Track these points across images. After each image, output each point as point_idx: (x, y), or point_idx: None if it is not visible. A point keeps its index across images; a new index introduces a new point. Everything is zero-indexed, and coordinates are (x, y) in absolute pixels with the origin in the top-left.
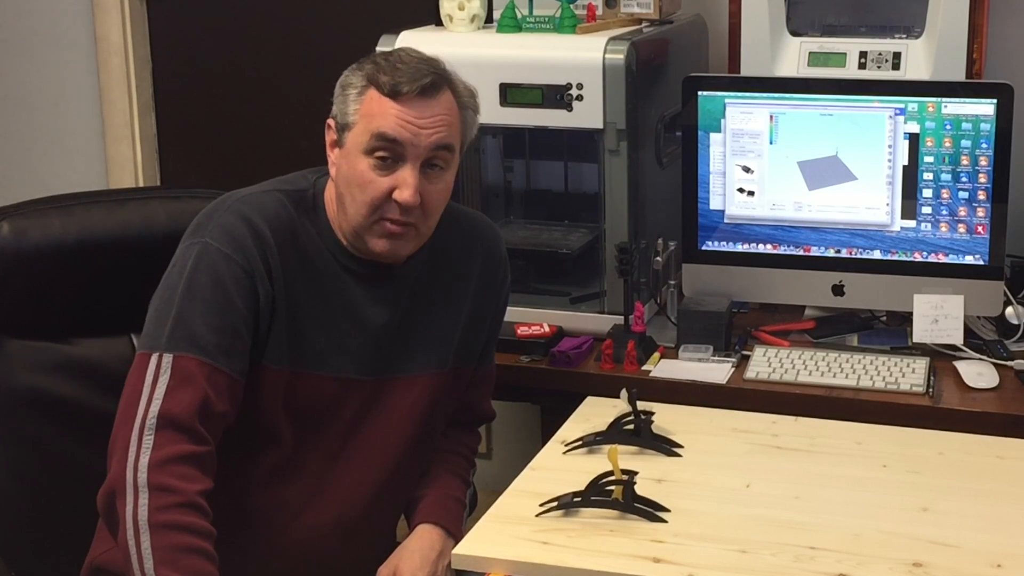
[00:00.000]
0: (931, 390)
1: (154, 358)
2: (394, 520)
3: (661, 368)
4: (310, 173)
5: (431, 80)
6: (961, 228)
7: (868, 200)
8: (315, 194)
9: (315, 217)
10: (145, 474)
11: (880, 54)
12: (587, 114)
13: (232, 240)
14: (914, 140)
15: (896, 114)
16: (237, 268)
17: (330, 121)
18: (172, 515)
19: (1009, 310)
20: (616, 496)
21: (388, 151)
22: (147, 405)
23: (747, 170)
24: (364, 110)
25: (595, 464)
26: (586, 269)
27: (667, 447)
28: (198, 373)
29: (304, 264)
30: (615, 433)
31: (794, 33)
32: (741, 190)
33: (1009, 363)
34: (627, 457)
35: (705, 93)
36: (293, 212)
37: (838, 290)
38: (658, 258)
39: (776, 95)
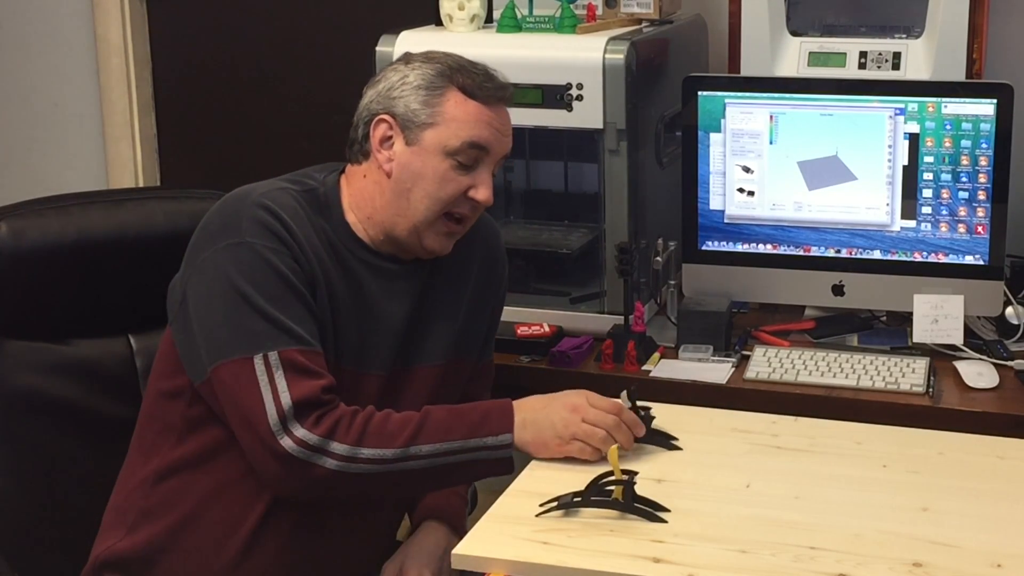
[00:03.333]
0: (931, 390)
1: (258, 360)
2: (397, 518)
3: (661, 368)
4: (316, 171)
5: (511, 90)
6: (961, 228)
7: (868, 200)
8: (327, 192)
9: (329, 214)
10: (301, 429)
11: (880, 54)
12: (587, 114)
13: (273, 235)
14: (914, 140)
15: (896, 114)
16: (289, 259)
17: (387, 117)
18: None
19: (1009, 310)
20: (616, 496)
21: (475, 156)
22: (276, 400)
23: (747, 170)
24: (451, 112)
25: (595, 464)
26: (586, 269)
27: (666, 441)
28: (307, 361)
29: (328, 257)
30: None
31: (794, 33)
32: (741, 190)
33: (1009, 363)
34: (627, 457)
35: (705, 93)
36: (307, 209)
37: (838, 290)
38: (658, 258)
39: (776, 95)
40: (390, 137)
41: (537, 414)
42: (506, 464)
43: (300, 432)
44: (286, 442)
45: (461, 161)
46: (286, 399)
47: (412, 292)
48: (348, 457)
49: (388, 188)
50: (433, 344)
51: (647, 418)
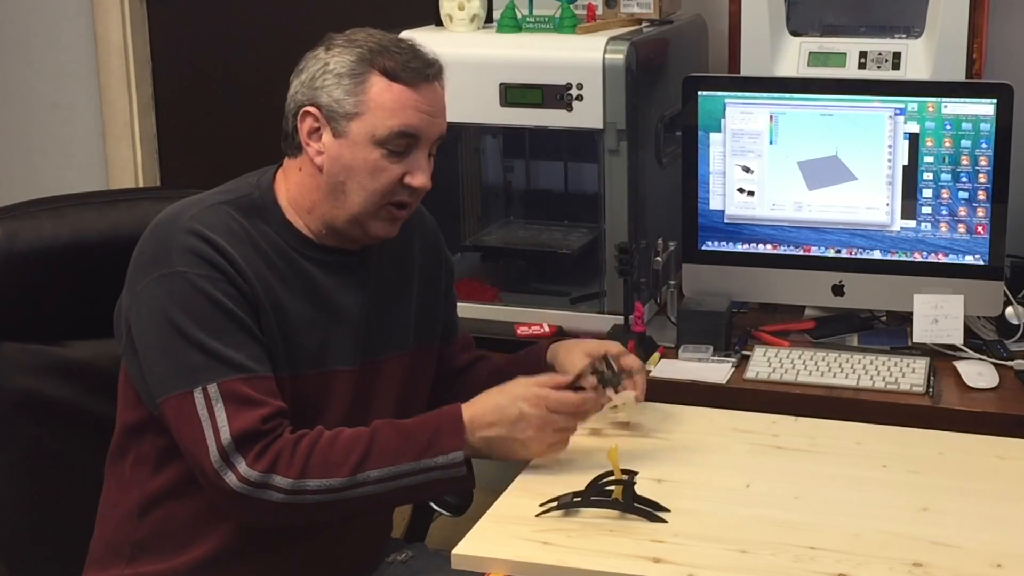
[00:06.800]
0: (931, 390)
1: (198, 393)
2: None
3: (661, 368)
4: (250, 177)
5: (438, 66)
6: (961, 228)
7: (868, 200)
8: (262, 195)
9: (269, 218)
10: (243, 464)
11: (880, 54)
12: (587, 114)
13: (205, 261)
14: (914, 140)
15: (896, 114)
16: (224, 284)
17: (311, 109)
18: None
19: (1009, 310)
20: (616, 496)
21: (406, 143)
22: (216, 436)
23: (747, 170)
24: (375, 100)
25: (595, 464)
26: (586, 269)
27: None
28: (248, 389)
29: (271, 266)
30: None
31: (794, 33)
32: (741, 190)
33: (1009, 363)
34: (627, 457)
35: (705, 93)
36: (243, 220)
37: (838, 290)
38: (658, 258)
39: (776, 95)
40: (317, 129)
41: (503, 434)
42: (463, 482)
43: (242, 468)
44: (230, 478)
45: (392, 149)
46: (225, 434)
47: (364, 282)
48: (293, 490)
49: (323, 182)
50: (394, 334)
51: (615, 377)
